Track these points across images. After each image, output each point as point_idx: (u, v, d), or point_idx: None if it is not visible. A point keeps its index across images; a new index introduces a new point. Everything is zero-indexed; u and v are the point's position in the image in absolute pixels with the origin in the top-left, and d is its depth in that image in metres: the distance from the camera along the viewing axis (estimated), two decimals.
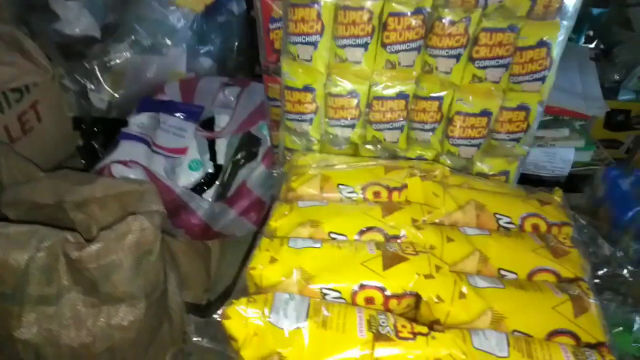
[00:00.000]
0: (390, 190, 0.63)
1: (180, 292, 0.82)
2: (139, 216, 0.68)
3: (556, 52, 0.64)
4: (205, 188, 0.90)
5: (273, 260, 0.52)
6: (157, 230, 0.69)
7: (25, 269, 0.62)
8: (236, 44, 1.11)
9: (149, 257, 0.69)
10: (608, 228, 0.75)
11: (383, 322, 0.47)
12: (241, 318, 0.46)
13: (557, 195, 0.66)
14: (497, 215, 0.61)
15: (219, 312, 0.46)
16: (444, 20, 0.62)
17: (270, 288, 0.52)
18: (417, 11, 0.62)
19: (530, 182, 0.73)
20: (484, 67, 0.65)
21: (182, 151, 0.90)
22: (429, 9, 0.62)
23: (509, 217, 0.61)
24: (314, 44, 0.66)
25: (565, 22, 0.63)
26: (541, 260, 0.55)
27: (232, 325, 0.46)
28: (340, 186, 0.64)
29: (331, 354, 0.44)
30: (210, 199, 0.90)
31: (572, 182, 0.95)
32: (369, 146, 0.75)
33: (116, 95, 0.98)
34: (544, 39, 0.63)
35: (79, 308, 0.66)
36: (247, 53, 1.14)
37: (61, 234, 0.66)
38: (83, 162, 0.96)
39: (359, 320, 0.47)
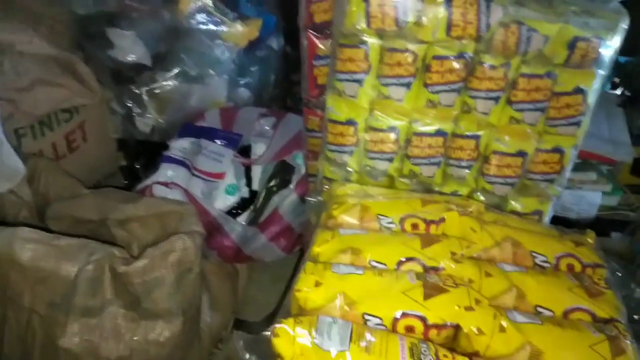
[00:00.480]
0: (427, 223, 0.65)
1: (210, 312, 0.84)
2: (182, 235, 0.71)
3: (591, 98, 0.67)
4: (240, 212, 0.93)
5: (318, 284, 0.54)
6: (198, 250, 0.72)
7: (74, 280, 0.65)
8: (273, 77, 1.17)
9: (189, 276, 0.72)
10: None
11: (425, 351, 0.48)
12: (289, 337, 0.48)
13: (590, 238, 0.67)
14: (533, 254, 0.62)
15: (269, 330, 0.48)
16: (484, 65, 0.66)
17: (313, 311, 0.53)
18: (460, 55, 0.66)
19: (556, 222, 0.75)
20: (522, 110, 0.68)
21: (220, 176, 0.93)
22: (471, 54, 0.66)
23: (544, 255, 0.62)
24: (360, 82, 0.70)
25: (600, 71, 0.66)
26: (577, 299, 0.57)
27: (281, 344, 0.48)
28: (379, 216, 0.66)
29: None
30: (243, 223, 0.92)
31: (599, 225, 0.96)
32: (404, 179, 0.78)
33: (160, 120, 1.03)
34: (580, 86, 0.66)
35: (119, 321, 0.69)
36: (282, 86, 1.20)
37: (109, 249, 0.69)
38: (125, 181, 1.00)
39: (401, 347, 0.48)
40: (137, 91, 1.00)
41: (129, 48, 0.95)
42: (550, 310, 0.56)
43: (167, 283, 0.69)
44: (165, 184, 0.90)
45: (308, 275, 0.55)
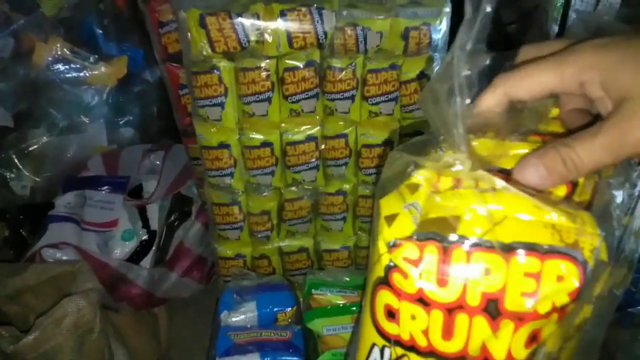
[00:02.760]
0: None
1: None
2: (74, 297, 0.68)
3: None
4: (142, 256, 0.91)
5: None
6: (95, 308, 0.69)
7: None
8: (155, 109, 1.14)
9: (91, 336, 0.69)
10: None
11: None
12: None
13: None
14: None
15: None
16: (332, 69, 0.69)
17: None
18: (308, 64, 0.69)
19: None
20: (377, 103, 0.72)
21: (113, 224, 0.90)
22: (318, 60, 0.69)
23: None
24: (221, 105, 0.71)
25: (437, 55, 0.72)
26: None
27: None
28: None
29: None
30: (148, 266, 0.90)
31: None
32: (291, 188, 0.80)
33: (38, 179, 0.97)
34: (423, 71, 0.72)
35: None
36: (168, 116, 1.17)
37: None
38: (12, 252, 0.94)
39: None
40: (5, 155, 0.94)
41: None
42: None
43: (67, 350, 0.66)
44: (55, 246, 0.85)
45: None
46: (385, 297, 0.39)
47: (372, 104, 0.72)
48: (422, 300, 0.37)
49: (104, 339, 0.72)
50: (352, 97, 0.71)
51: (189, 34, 0.65)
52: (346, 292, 0.77)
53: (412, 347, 0.39)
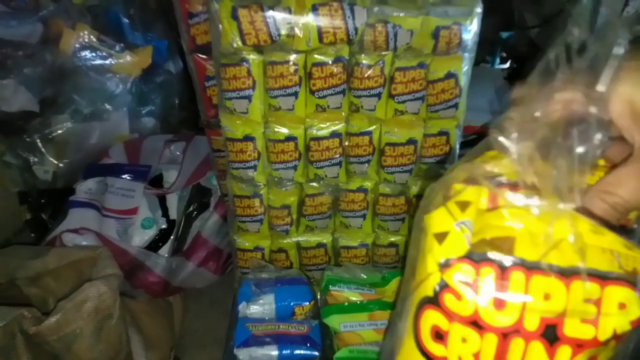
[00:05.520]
0: None
1: (145, 352, 0.82)
2: (95, 282, 0.69)
3: (463, 81, 0.72)
4: (160, 244, 0.91)
5: None
6: (115, 294, 0.70)
7: None
8: (177, 101, 1.15)
9: (110, 322, 0.70)
10: None
11: None
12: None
13: None
14: None
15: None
16: (361, 65, 0.69)
17: None
18: (337, 60, 0.69)
19: None
20: (403, 102, 0.72)
21: (133, 211, 0.91)
22: (346, 57, 0.69)
23: None
24: (248, 98, 0.71)
25: (467, 55, 0.71)
26: None
27: None
28: None
29: None
30: (166, 255, 0.91)
31: None
32: (313, 183, 0.80)
33: (61, 165, 0.98)
34: (451, 71, 0.71)
35: None
36: (189, 108, 1.18)
37: (16, 311, 0.65)
38: (33, 235, 0.95)
39: None
40: (29, 139, 0.95)
41: (11, 97, 0.90)
42: None
43: (86, 334, 0.66)
44: (75, 231, 0.86)
45: None
46: (433, 318, 0.37)
47: (399, 102, 0.72)
48: (476, 324, 0.35)
49: (122, 325, 0.73)
50: (379, 95, 0.71)
51: (220, 25, 0.66)
52: (363, 289, 0.77)
53: None
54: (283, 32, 0.65)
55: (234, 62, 0.69)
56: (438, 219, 0.38)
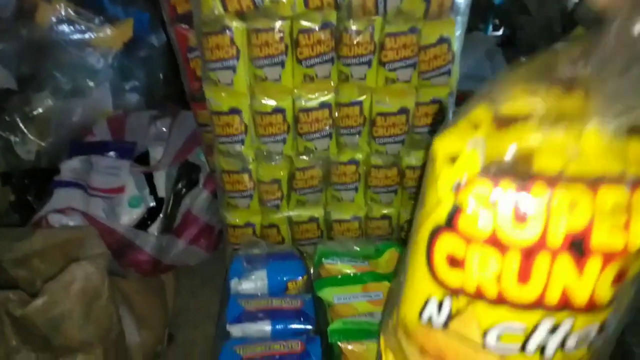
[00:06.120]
0: None
1: (138, 332, 0.81)
2: (82, 262, 0.68)
3: (456, 46, 0.70)
4: (149, 223, 0.90)
5: None
6: (103, 273, 0.69)
7: None
8: (161, 75, 1.12)
9: (99, 302, 0.68)
10: None
11: None
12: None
13: None
14: None
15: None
16: (349, 31, 0.66)
17: None
18: (324, 25, 0.66)
19: None
20: (394, 69, 0.70)
21: (120, 190, 0.89)
22: (334, 22, 0.66)
23: None
24: (233, 68, 0.68)
25: (459, 18, 0.69)
26: None
27: None
28: None
29: None
30: (156, 233, 0.89)
31: None
32: (302, 157, 0.78)
33: (43, 144, 0.95)
34: (443, 35, 0.69)
35: None
36: (174, 82, 1.15)
37: (1, 294, 0.64)
38: (18, 217, 0.93)
39: None
40: (9, 119, 0.91)
41: None
42: None
43: (75, 315, 0.65)
44: (61, 211, 0.84)
45: None
46: (447, 244, 0.36)
47: (390, 70, 0.69)
48: (497, 243, 0.33)
49: (112, 304, 0.72)
50: (369, 62, 0.69)
51: None
52: (357, 261, 0.76)
53: (480, 297, 0.35)
54: None
55: (216, 30, 0.66)
56: (448, 141, 0.36)
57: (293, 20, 0.66)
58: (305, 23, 0.66)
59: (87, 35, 0.96)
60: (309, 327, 0.66)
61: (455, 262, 0.36)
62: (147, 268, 0.88)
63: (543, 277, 0.33)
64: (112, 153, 0.92)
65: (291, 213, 0.84)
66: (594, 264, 0.32)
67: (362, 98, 0.72)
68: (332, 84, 0.71)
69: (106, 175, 0.90)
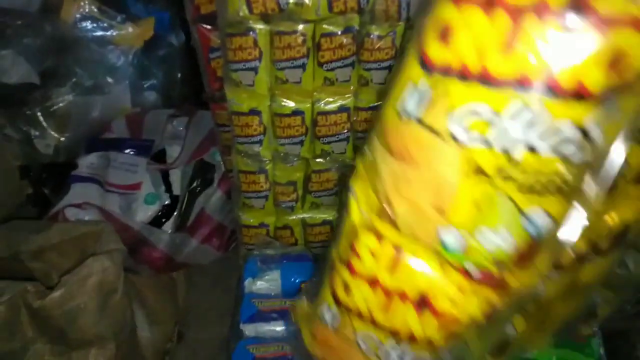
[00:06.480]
0: None
1: (149, 328, 0.81)
2: (99, 257, 0.68)
3: None
4: (164, 220, 0.90)
5: None
6: (119, 269, 0.69)
7: None
8: (179, 75, 1.13)
9: (114, 297, 0.69)
10: None
11: None
12: None
13: None
14: None
15: None
16: (371, 36, 0.67)
17: None
18: (347, 30, 0.66)
19: None
20: None
21: (136, 187, 0.90)
22: (357, 27, 0.67)
23: None
24: (255, 69, 0.69)
25: None
26: None
27: None
28: None
29: None
30: (170, 231, 0.90)
31: None
32: (319, 159, 0.78)
33: (62, 139, 0.97)
34: None
35: (46, 358, 0.65)
36: (191, 82, 1.16)
37: (20, 285, 0.65)
38: (35, 210, 0.94)
39: None
40: (30, 112, 0.93)
41: (10, 68, 0.88)
42: None
43: (90, 309, 0.66)
44: (78, 205, 0.85)
45: None
46: (441, 14, 0.35)
47: None
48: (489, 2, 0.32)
49: (126, 300, 0.72)
50: (390, 68, 0.69)
51: None
52: None
53: (457, 73, 0.34)
54: (291, 0, 0.63)
55: (240, 32, 0.66)
56: None
57: (316, 24, 0.66)
58: (328, 27, 0.66)
59: (109, 33, 0.97)
60: None
61: (445, 35, 0.35)
62: (160, 265, 0.89)
63: (529, 46, 0.31)
64: (129, 150, 0.93)
65: (305, 215, 0.84)
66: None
67: (381, 103, 0.72)
68: (352, 88, 0.72)
69: (123, 172, 0.91)
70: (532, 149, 0.33)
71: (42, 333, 0.65)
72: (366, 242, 0.44)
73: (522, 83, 0.32)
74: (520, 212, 0.36)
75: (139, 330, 0.79)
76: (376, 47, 0.67)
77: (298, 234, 0.86)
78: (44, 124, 0.95)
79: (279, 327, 0.66)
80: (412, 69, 0.38)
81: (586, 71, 0.31)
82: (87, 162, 0.91)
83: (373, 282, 0.44)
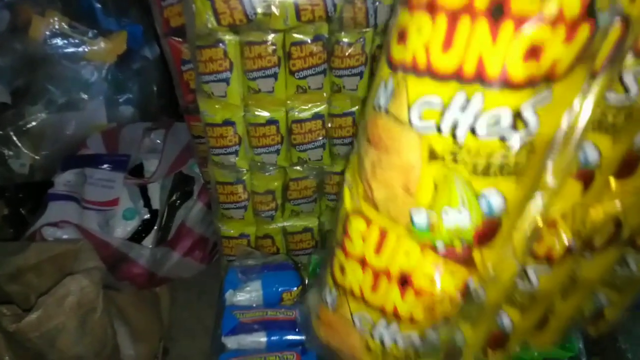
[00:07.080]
0: None
1: (133, 345, 0.80)
2: (76, 276, 0.67)
3: None
4: (144, 235, 0.90)
5: None
6: (98, 287, 0.69)
7: None
8: (155, 88, 1.12)
9: (93, 315, 0.68)
10: None
11: None
12: None
13: None
14: None
15: None
16: (341, 43, 0.67)
17: None
18: (316, 38, 0.67)
19: None
20: None
21: (114, 202, 0.89)
22: (326, 35, 0.67)
23: None
24: (226, 80, 0.69)
25: None
26: None
27: None
28: None
29: None
30: (150, 246, 0.89)
31: None
32: (296, 167, 0.79)
33: (37, 157, 0.96)
34: None
35: None
36: (168, 95, 1.15)
37: None
38: (12, 231, 0.93)
39: None
40: (2, 132, 0.92)
41: None
42: None
43: (70, 329, 0.65)
44: (55, 224, 0.84)
45: None
46: (400, 20, 0.39)
47: None
48: (431, 5, 0.36)
49: (107, 317, 0.72)
50: (361, 74, 0.70)
51: (193, 5, 0.63)
52: None
53: (412, 69, 0.39)
54: (259, 10, 0.63)
55: (210, 44, 0.66)
56: None
57: (285, 33, 0.66)
58: (297, 36, 0.67)
59: (80, 49, 0.96)
60: (304, 338, 0.66)
61: (402, 37, 0.40)
62: (142, 281, 0.88)
63: (462, 44, 0.36)
64: (106, 166, 0.92)
65: (285, 223, 0.84)
66: (506, 28, 0.34)
67: (355, 109, 0.73)
68: (325, 95, 0.72)
69: (100, 188, 0.90)
70: (474, 133, 0.38)
71: (19, 357, 0.64)
72: (356, 226, 0.49)
73: (460, 76, 0.36)
74: (474, 192, 0.40)
75: (122, 348, 0.78)
76: (346, 54, 0.68)
77: (279, 243, 0.86)
78: (18, 143, 0.94)
79: (261, 338, 0.65)
80: (383, 69, 0.43)
81: (509, 62, 0.35)
82: (64, 180, 0.90)
83: (363, 263, 0.48)
